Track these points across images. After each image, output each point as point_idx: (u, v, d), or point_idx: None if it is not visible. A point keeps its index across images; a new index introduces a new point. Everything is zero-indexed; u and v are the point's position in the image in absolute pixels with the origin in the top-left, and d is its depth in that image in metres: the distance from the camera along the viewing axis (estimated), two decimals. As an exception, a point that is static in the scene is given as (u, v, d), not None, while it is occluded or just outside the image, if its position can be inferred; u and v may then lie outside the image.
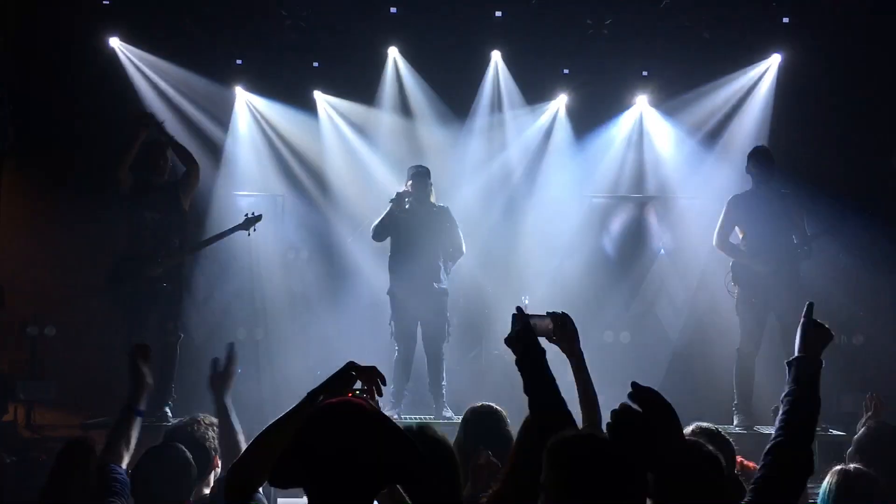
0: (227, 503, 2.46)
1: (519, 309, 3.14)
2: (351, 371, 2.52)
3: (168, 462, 3.41)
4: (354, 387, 2.52)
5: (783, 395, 2.62)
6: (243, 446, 3.61)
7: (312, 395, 2.50)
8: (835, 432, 6.96)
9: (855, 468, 3.17)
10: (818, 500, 3.23)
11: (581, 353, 3.31)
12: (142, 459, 3.52)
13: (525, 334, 2.93)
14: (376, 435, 2.17)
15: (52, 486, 4.00)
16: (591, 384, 3.29)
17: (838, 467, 3.23)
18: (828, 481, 3.21)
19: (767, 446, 2.53)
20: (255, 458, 2.44)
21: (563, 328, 3.28)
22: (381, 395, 2.51)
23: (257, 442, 2.48)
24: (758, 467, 2.53)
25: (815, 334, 2.68)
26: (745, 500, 2.42)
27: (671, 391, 7.93)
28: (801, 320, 2.73)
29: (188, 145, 7.92)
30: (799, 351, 2.68)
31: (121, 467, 3.53)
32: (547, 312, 3.31)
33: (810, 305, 2.75)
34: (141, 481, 3.44)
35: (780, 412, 2.60)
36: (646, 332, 9.15)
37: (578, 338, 3.30)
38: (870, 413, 4.67)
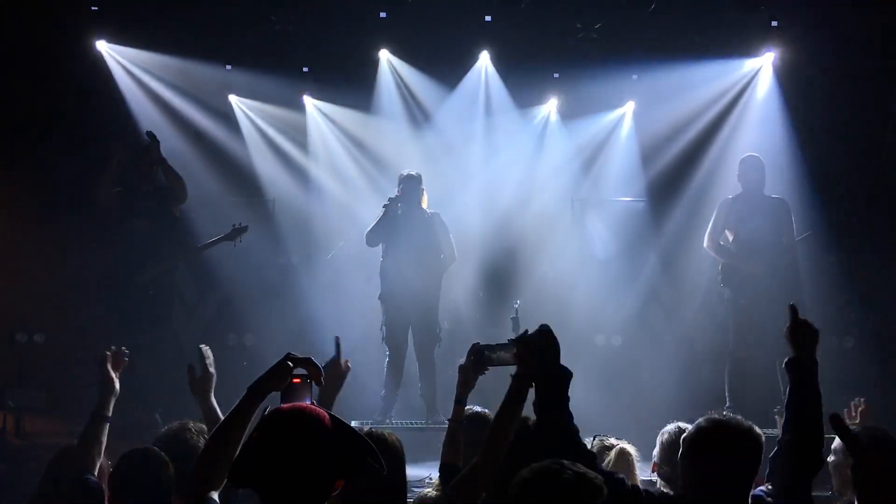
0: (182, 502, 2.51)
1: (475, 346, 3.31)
2: (288, 361, 2.57)
3: (144, 467, 3.39)
4: (296, 372, 2.57)
5: (786, 397, 2.70)
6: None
7: (253, 389, 2.55)
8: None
9: None
10: None
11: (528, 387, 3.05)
12: (118, 465, 3.50)
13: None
14: (328, 435, 2.25)
15: (42, 494, 3.98)
16: (509, 418, 3.05)
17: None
18: None
19: (778, 446, 2.60)
20: (210, 458, 2.51)
21: (526, 360, 3.23)
22: (320, 384, 2.56)
23: (209, 444, 2.55)
24: (768, 466, 2.59)
25: (803, 334, 2.77)
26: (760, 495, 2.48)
27: (663, 393, 7.92)
28: (788, 323, 2.80)
29: (179, 151, 7.92)
30: (794, 354, 2.75)
31: (93, 475, 3.52)
32: (509, 340, 3.26)
33: (793, 307, 2.83)
34: (117, 488, 3.42)
35: (786, 413, 2.67)
36: (637, 335, 9.14)
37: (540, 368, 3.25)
38: (856, 420, 4.62)
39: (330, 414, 2.33)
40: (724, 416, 2.72)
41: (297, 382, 2.54)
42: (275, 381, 2.53)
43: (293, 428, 2.24)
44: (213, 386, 3.67)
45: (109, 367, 3.77)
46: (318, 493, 2.23)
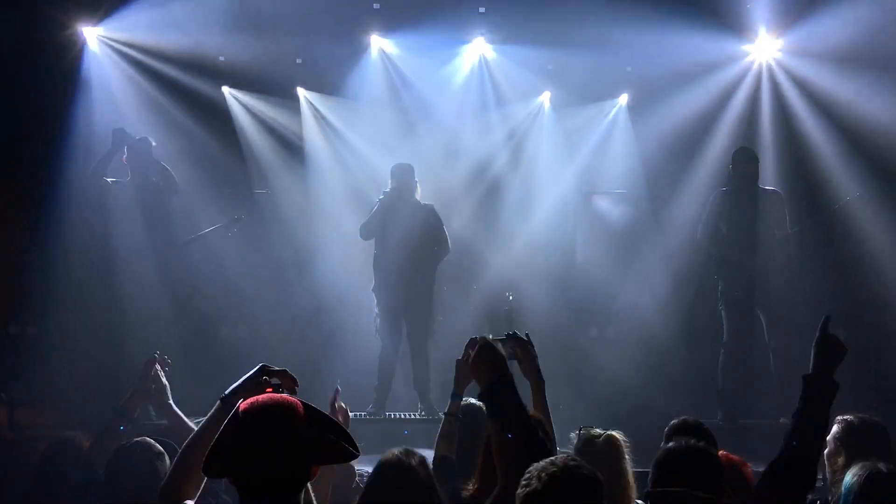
0: None
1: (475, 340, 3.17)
2: (263, 374, 2.57)
3: (139, 459, 3.41)
4: (271, 382, 2.58)
5: (794, 411, 2.67)
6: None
7: (225, 399, 2.55)
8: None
9: (885, 465, 3.00)
10: (841, 495, 3.08)
11: (541, 378, 3.32)
12: (113, 456, 3.53)
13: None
14: (301, 422, 2.28)
15: (39, 484, 3.99)
16: (548, 410, 3.29)
17: (864, 462, 3.06)
18: (852, 477, 3.04)
19: (772, 460, 2.57)
20: (184, 467, 2.53)
21: (522, 354, 3.29)
22: (293, 394, 2.55)
23: (183, 453, 2.55)
24: (759, 477, 2.56)
25: (830, 350, 2.71)
26: None
27: (655, 386, 7.92)
28: (816, 335, 2.75)
29: (173, 143, 7.88)
30: (813, 369, 2.70)
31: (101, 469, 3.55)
32: (507, 335, 3.29)
33: (826, 319, 2.77)
34: (112, 479, 3.44)
35: (789, 428, 2.63)
36: (631, 327, 9.15)
37: (537, 363, 3.31)
38: None
39: (303, 402, 2.35)
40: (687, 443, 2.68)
41: (270, 392, 2.55)
42: (248, 392, 2.52)
43: (267, 417, 2.26)
44: (163, 391, 3.79)
45: (157, 370, 3.80)
46: (295, 480, 2.27)
